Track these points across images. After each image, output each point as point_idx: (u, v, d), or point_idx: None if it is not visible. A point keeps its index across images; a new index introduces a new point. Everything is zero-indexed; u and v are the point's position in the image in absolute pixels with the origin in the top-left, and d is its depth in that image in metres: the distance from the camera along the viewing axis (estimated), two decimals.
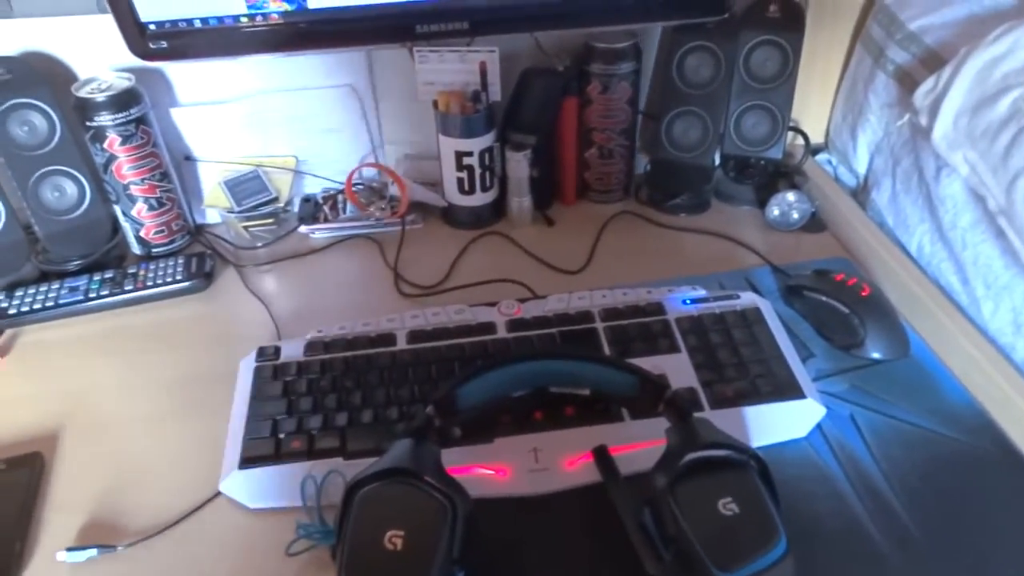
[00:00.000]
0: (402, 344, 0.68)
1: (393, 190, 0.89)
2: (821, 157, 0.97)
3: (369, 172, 0.91)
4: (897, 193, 0.81)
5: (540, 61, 0.86)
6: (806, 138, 0.92)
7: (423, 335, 0.69)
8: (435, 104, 0.82)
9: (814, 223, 0.87)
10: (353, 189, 0.89)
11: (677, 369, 0.65)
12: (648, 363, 0.65)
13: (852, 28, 0.90)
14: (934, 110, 0.72)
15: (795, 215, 0.86)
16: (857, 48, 0.89)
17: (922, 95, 0.73)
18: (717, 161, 0.92)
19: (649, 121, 0.92)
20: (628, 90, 0.85)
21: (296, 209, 0.90)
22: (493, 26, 0.78)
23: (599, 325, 0.69)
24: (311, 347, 0.68)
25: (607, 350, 0.67)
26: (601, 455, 0.57)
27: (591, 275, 0.82)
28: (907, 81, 0.79)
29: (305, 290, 0.82)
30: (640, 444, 0.59)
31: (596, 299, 0.72)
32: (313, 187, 0.92)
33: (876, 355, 0.69)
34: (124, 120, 0.77)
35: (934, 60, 0.76)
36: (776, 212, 0.86)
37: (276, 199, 0.86)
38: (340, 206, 0.90)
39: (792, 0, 0.85)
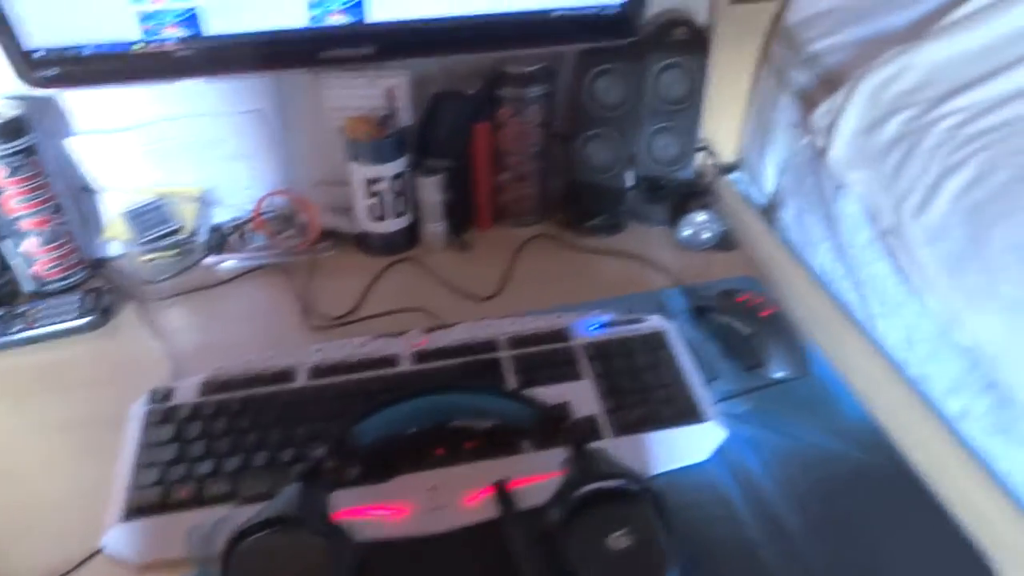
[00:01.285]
0: (303, 380, 0.66)
1: (304, 217, 0.87)
2: (735, 175, 0.98)
3: (280, 199, 0.89)
4: (802, 211, 0.83)
5: (451, 84, 0.85)
6: (717, 158, 0.93)
7: (325, 370, 0.67)
8: (343, 131, 0.81)
9: (725, 242, 0.87)
10: (263, 217, 0.87)
11: (582, 397, 0.65)
12: (553, 391, 0.65)
13: (758, 49, 0.92)
14: (831, 131, 0.73)
15: (706, 234, 0.87)
16: (763, 69, 0.90)
17: (820, 116, 0.75)
18: (632, 181, 0.92)
19: (564, 142, 0.92)
20: (540, 113, 0.85)
21: (203, 239, 0.87)
22: (400, 51, 0.77)
23: (504, 354, 0.69)
24: (207, 387, 0.66)
25: (512, 379, 0.66)
26: (500, 490, 0.57)
27: (505, 301, 0.81)
28: (808, 102, 0.81)
29: (210, 324, 0.79)
30: (542, 476, 0.58)
31: (504, 327, 0.72)
32: (223, 216, 0.90)
33: (778, 374, 0.69)
34: (12, 151, 0.74)
35: (832, 81, 0.77)
36: (687, 232, 0.87)
37: (180, 229, 0.84)
38: (249, 235, 0.88)
39: (697, 24, 0.86)
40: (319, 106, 0.82)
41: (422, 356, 0.69)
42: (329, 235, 0.88)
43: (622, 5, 0.78)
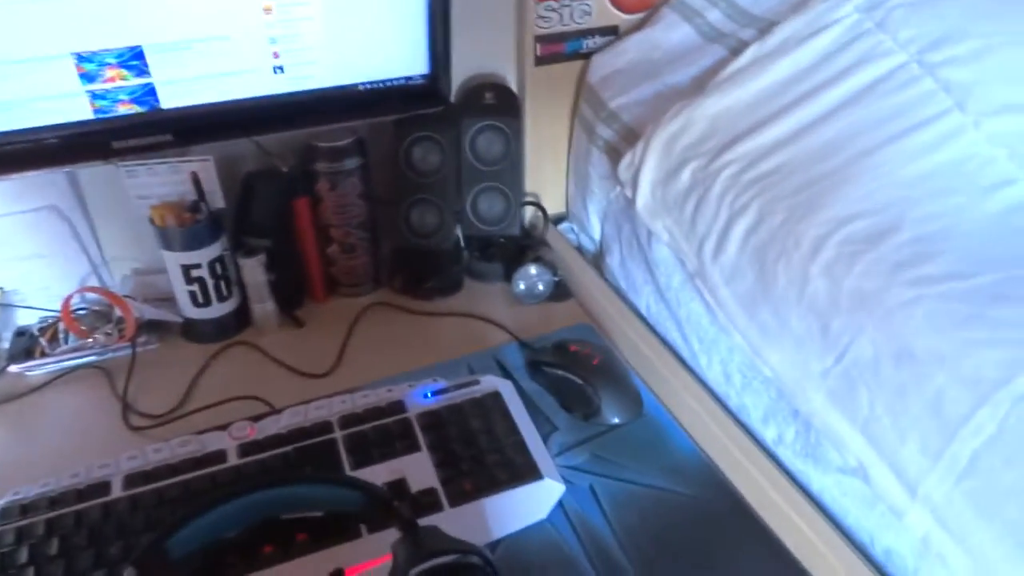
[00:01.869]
0: (117, 492, 0.62)
1: (119, 312, 0.82)
2: (564, 225, 1.02)
3: (92, 295, 0.84)
4: (624, 258, 0.86)
5: (264, 162, 0.84)
6: (544, 211, 0.96)
7: (142, 478, 0.62)
8: (151, 219, 0.78)
9: (560, 292, 0.90)
10: (74, 315, 0.82)
11: (418, 470, 0.64)
12: (388, 468, 0.64)
13: (569, 107, 0.96)
14: (635, 182, 0.77)
15: (540, 287, 0.89)
16: (575, 125, 0.95)
17: (624, 169, 0.79)
18: (464, 241, 0.93)
19: (389, 209, 0.92)
20: (358, 185, 0.84)
21: (5, 346, 0.80)
22: (201, 136, 0.75)
23: (338, 435, 0.67)
24: (5, 514, 0.60)
25: (345, 461, 0.65)
26: None
27: (343, 375, 0.80)
28: (614, 155, 0.85)
29: (17, 439, 0.72)
30: (379, 559, 0.57)
31: (335, 406, 0.70)
32: (30, 318, 0.83)
33: (614, 420, 0.71)
34: None
35: (631, 136, 0.82)
36: (522, 286, 0.89)
37: None
38: (61, 336, 0.81)
39: (507, 87, 0.89)
40: (123, 196, 0.78)
41: (250, 448, 0.66)
42: (151, 326, 0.84)
43: (427, 76, 0.80)
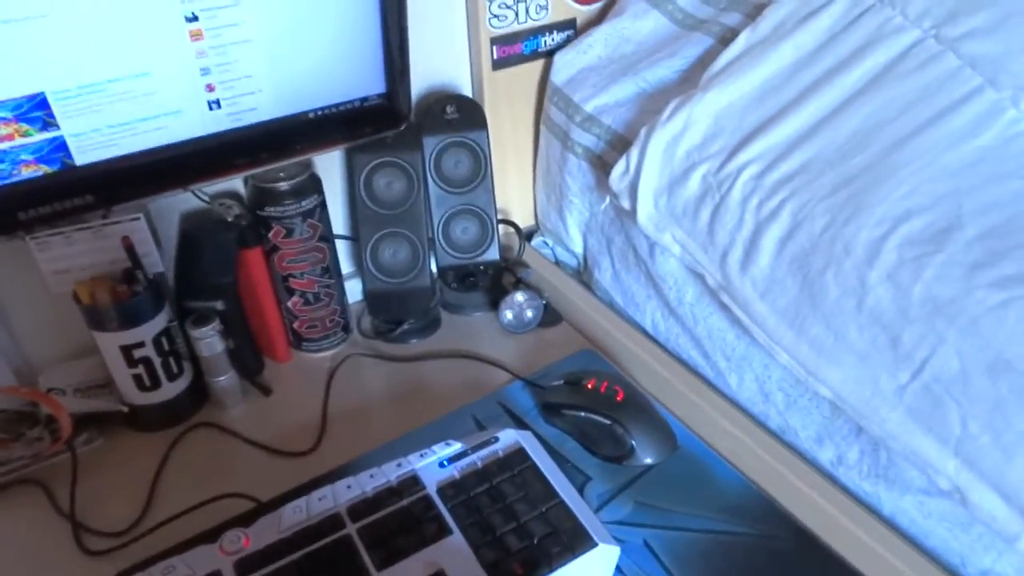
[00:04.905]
0: None
1: (48, 409, 0.68)
2: (537, 240, 0.94)
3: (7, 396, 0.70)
4: (618, 272, 0.80)
5: (204, 213, 0.72)
6: (518, 229, 0.88)
7: None
8: (76, 297, 0.65)
9: (549, 316, 0.82)
10: None
11: (456, 557, 0.55)
12: (421, 561, 0.55)
13: (532, 110, 0.88)
14: (632, 193, 0.70)
15: (529, 314, 0.81)
16: (542, 131, 0.87)
17: (617, 179, 0.72)
18: (437, 273, 0.84)
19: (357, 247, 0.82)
20: (317, 226, 0.74)
21: None
22: (128, 192, 0.63)
23: (351, 529, 0.57)
24: None
25: (368, 561, 0.55)
26: None
27: (330, 449, 0.69)
28: (599, 163, 0.78)
29: None
30: None
31: (340, 493, 0.59)
32: None
33: (648, 460, 0.65)
34: None
35: (620, 141, 0.75)
36: (510, 316, 0.81)
37: None
38: None
39: (468, 98, 0.80)
40: (35, 273, 0.65)
41: (250, 563, 0.54)
42: (87, 420, 0.70)
43: (384, 94, 0.70)
